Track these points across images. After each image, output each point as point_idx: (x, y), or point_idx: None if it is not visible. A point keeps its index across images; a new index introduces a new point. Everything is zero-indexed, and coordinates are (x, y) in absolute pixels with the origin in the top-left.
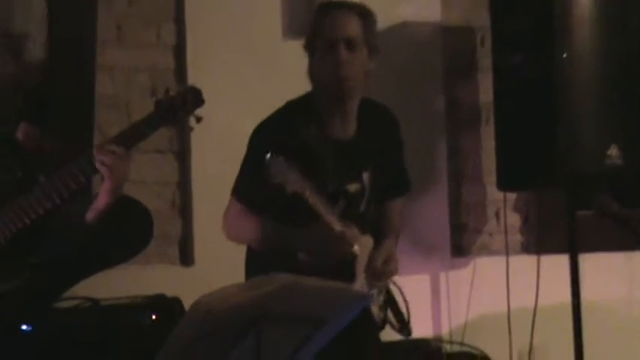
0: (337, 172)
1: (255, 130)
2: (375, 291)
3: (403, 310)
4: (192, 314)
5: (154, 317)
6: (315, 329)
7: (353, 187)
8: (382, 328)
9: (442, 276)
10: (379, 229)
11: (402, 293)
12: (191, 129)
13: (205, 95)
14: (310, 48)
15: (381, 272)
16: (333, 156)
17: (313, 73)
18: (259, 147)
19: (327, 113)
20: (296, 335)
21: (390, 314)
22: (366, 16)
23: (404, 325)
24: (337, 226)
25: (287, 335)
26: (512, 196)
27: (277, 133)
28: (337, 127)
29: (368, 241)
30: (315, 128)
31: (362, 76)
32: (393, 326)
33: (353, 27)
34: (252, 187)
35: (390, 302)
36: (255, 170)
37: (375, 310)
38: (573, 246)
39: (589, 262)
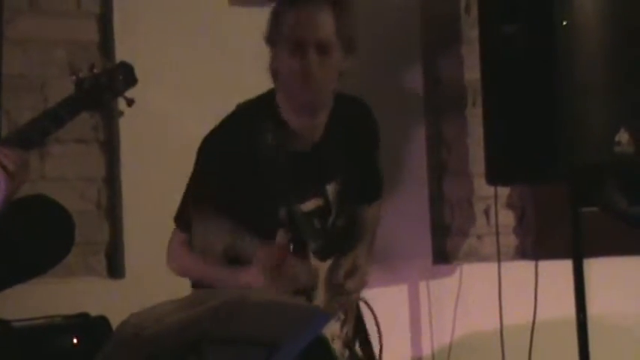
0: (291, 191)
1: (200, 147)
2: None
3: (373, 340)
4: (119, 337)
5: (75, 341)
6: (266, 355)
7: (312, 204)
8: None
9: (422, 286)
10: (348, 238)
11: (374, 316)
12: (121, 114)
13: (138, 74)
14: (272, 43)
15: (342, 287)
16: (290, 171)
17: (276, 73)
18: (205, 168)
19: (290, 120)
20: None
21: (356, 345)
22: (341, 6)
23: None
24: (262, 277)
25: None
26: (504, 192)
27: (226, 151)
28: (300, 136)
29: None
30: (271, 138)
31: (335, 80)
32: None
33: (325, 25)
34: (211, 192)
35: (357, 330)
36: (199, 189)
37: (336, 342)
38: (577, 250)
39: (596, 268)
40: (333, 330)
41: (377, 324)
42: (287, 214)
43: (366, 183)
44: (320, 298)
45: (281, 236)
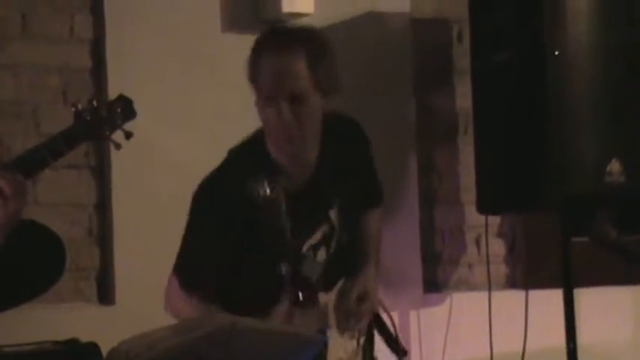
0: (293, 234)
1: (194, 195)
2: (348, 334)
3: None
4: None
5: None
6: None
7: (319, 235)
8: None
9: (413, 315)
10: (353, 255)
11: (392, 321)
12: (119, 146)
13: (135, 108)
14: (253, 82)
15: (355, 312)
16: (293, 209)
17: (259, 114)
18: (201, 217)
19: (280, 158)
20: None
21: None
22: (315, 52)
23: (399, 351)
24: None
25: None
26: (495, 221)
27: (220, 200)
28: (294, 170)
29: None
30: (266, 180)
31: (318, 122)
32: None
33: (298, 76)
34: (195, 267)
35: (381, 330)
36: (198, 245)
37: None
38: (568, 279)
39: (587, 298)
40: (350, 348)
41: (393, 325)
42: (291, 268)
43: (367, 190)
44: (333, 335)
45: (284, 304)
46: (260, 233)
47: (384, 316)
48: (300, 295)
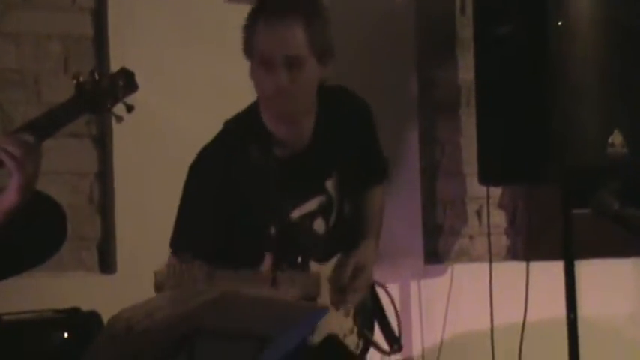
0: (284, 200)
1: (190, 166)
2: (343, 310)
3: (392, 321)
4: (110, 331)
5: (66, 335)
6: (258, 348)
7: (314, 203)
8: (365, 351)
9: (414, 285)
10: (353, 230)
11: (390, 297)
12: (120, 119)
13: (131, 69)
14: (248, 54)
15: (349, 286)
16: (282, 181)
17: (255, 84)
18: (196, 190)
19: (274, 130)
20: (236, 356)
21: (368, 332)
22: (312, 18)
23: (394, 340)
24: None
25: (225, 356)
26: (496, 192)
27: (215, 170)
28: (288, 143)
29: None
30: (259, 149)
31: (314, 89)
32: (377, 347)
33: (295, 41)
34: (191, 240)
35: (375, 312)
36: (193, 218)
37: (348, 336)
38: (569, 251)
39: (587, 269)
40: (345, 325)
41: (392, 303)
42: (278, 231)
43: (369, 165)
44: (325, 302)
45: (267, 263)
46: (253, 203)
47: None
48: (283, 258)
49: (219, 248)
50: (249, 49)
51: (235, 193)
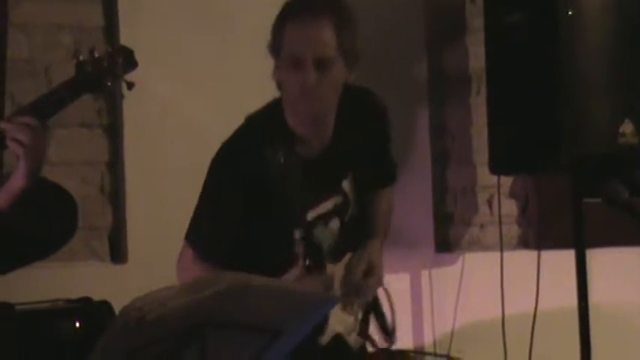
0: (305, 200)
1: (211, 162)
2: (348, 309)
3: (389, 319)
4: (122, 321)
5: (77, 325)
6: (269, 339)
7: (330, 203)
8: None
9: (425, 275)
10: (361, 229)
11: (388, 296)
12: (122, 97)
13: (142, 59)
14: (274, 52)
15: (360, 286)
16: (307, 177)
17: (279, 83)
18: (217, 183)
19: (297, 130)
20: (247, 346)
21: (368, 327)
22: (342, 21)
23: (388, 333)
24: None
25: (236, 346)
26: (507, 181)
27: (237, 165)
28: (309, 143)
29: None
30: (284, 148)
31: (338, 92)
32: (373, 343)
33: (324, 41)
34: (209, 234)
35: (374, 310)
36: (212, 212)
37: (352, 336)
38: (580, 240)
39: (598, 258)
40: (348, 324)
41: (390, 304)
42: (302, 236)
43: (381, 167)
44: (335, 308)
45: (296, 268)
46: (275, 200)
47: (383, 302)
48: (308, 261)
49: (239, 252)
50: (276, 48)
51: (260, 192)
